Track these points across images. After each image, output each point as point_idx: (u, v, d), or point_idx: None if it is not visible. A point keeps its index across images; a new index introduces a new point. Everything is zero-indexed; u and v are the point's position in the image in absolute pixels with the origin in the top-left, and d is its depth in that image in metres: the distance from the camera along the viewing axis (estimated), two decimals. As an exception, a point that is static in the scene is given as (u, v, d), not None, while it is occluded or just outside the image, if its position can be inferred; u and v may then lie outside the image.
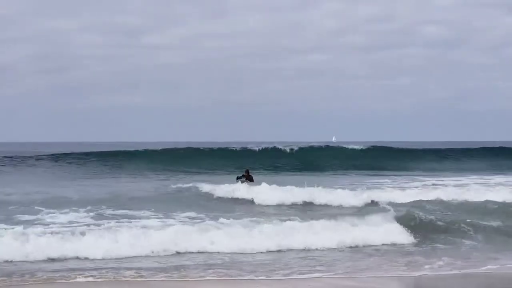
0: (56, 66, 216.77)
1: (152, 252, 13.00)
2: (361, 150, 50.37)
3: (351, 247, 14.11)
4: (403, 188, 25.40)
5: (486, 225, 15.64)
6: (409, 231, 15.08)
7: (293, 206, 20.93)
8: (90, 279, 10.55)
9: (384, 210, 16.93)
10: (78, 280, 10.48)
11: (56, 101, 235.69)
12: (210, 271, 11.25)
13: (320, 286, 10.22)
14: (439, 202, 19.67)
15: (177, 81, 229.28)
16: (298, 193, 22.18)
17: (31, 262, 11.99)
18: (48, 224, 15.24)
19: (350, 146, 51.16)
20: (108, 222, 15.25)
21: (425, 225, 15.62)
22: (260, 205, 21.02)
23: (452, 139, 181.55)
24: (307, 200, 21.65)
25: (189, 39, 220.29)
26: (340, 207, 20.68)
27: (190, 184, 25.36)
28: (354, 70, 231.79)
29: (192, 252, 13.19)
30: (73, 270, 11.20)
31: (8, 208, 18.11)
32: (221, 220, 15.48)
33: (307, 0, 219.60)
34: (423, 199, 20.55)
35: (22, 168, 37.61)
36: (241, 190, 22.92)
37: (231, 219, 15.56)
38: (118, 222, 15.39)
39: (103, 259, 12.37)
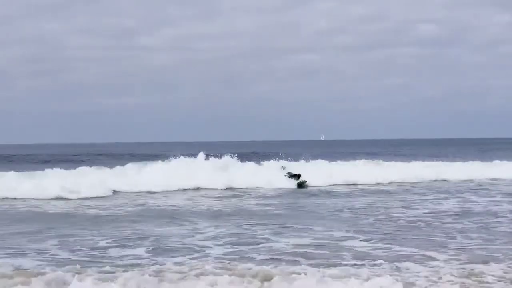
0: (49, 69, 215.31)
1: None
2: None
3: None
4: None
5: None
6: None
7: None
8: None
9: None
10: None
11: (49, 104, 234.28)
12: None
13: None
14: None
15: (170, 82, 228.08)
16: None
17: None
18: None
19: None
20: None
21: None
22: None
23: (446, 137, 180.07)
24: None
25: (182, 40, 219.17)
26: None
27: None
28: (346, 69, 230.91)
29: None
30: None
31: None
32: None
33: (298, 0, 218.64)
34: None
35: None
36: None
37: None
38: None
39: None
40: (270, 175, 26.16)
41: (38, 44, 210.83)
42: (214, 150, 43.16)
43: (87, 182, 21.76)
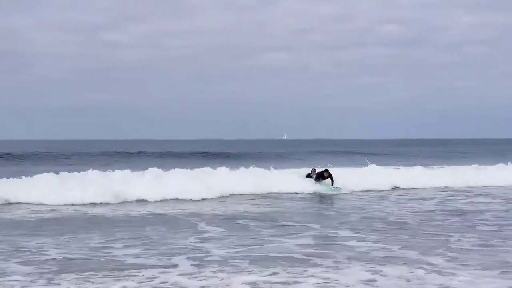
0: (15, 64, 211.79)
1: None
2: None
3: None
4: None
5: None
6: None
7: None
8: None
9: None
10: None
11: (14, 100, 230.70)
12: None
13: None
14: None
15: (140, 79, 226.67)
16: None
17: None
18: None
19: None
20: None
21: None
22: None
23: (414, 137, 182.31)
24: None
25: (152, 37, 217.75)
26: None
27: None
28: (316, 68, 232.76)
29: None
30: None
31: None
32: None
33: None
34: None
35: None
36: None
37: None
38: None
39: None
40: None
41: (3, 38, 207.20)
42: (181, 148, 41.01)
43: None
